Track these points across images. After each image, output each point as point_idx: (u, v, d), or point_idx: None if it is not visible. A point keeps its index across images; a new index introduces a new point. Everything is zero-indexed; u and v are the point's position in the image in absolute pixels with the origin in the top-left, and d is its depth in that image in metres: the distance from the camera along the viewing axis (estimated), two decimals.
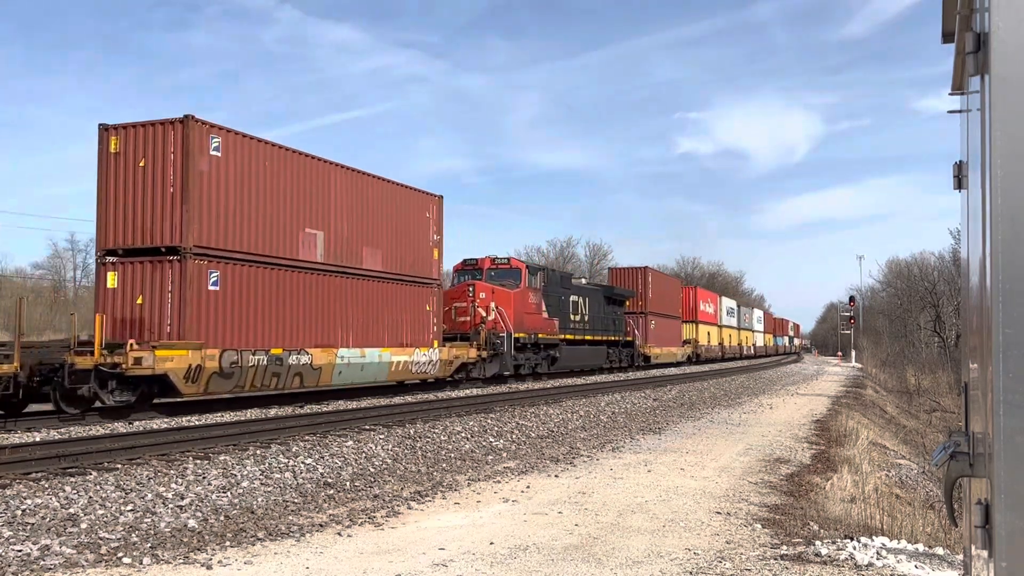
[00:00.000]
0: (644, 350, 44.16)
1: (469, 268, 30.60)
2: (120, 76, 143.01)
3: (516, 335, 28.59)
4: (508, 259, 30.38)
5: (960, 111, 2.83)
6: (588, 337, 36.15)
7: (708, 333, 61.99)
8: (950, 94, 3.07)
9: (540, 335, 30.91)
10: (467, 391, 24.73)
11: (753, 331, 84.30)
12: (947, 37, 2.84)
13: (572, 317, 34.46)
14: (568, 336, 33.84)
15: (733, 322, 71.93)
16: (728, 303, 71.14)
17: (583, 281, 40.85)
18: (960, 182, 2.81)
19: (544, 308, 31.52)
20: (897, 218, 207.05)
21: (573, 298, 34.85)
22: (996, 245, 1.81)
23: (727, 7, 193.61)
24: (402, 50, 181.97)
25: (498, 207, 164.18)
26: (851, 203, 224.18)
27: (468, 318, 27.88)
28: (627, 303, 43.10)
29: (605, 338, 38.31)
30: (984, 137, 1.91)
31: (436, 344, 24.64)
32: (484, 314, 28.03)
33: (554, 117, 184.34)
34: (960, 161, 2.79)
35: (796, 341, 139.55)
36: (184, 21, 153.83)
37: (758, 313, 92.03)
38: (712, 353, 62.07)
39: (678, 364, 51.47)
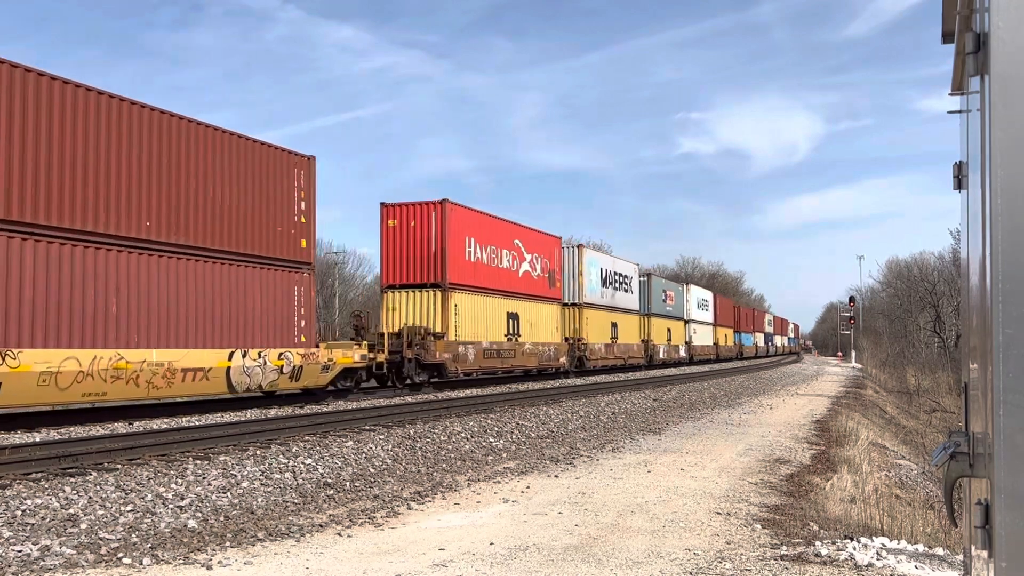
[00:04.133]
0: None
1: None
2: (123, 75, 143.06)
3: None
4: None
5: (960, 111, 2.83)
6: None
7: (530, 324, 31.18)
8: (950, 94, 3.07)
9: None
10: (467, 391, 24.65)
11: (689, 322, 57.11)
12: (947, 37, 2.84)
13: None
14: None
15: (629, 303, 43.53)
16: (609, 264, 41.34)
17: None
18: (960, 182, 2.80)
19: None
20: (897, 218, 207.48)
21: None
22: (996, 245, 1.80)
23: (729, 8, 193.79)
24: (404, 50, 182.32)
25: (499, 207, 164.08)
26: (851, 203, 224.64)
27: None
28: None
29: None
30: (984, 137, 1.90)
31: None
32: None
33: (555, 117, 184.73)
34: (960, 161, 2.79)
35: (780, 341, 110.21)
36: (187, 20, 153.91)
37: (700, 295, 62.73)
38: (545, 358, 31.74)
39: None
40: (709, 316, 64.30)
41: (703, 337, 61.55)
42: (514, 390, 25.43)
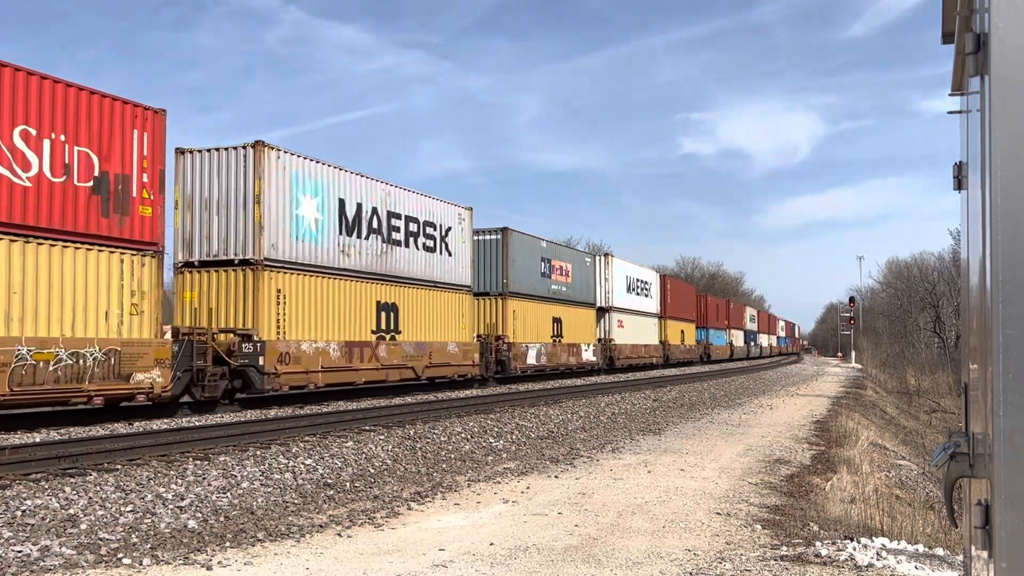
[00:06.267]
0: None
1: None
2: (125, 75, 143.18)
3: None
4: None
5: (960, 112, 2.83)
6: None
7: None
8: (950, 95, 3.07)
9: None
10: (467, 391, 24.63)
11: (608, 311, 39.95)
12: (947, 38, 2.84)
13: None
14: None
15: (443, 272, 25.69)
16: (379, 196, 22.64)
17: None
18: (960, 183, 2.80)
19: None
20: (897, 219, 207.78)
21: None
22: (996, 245, 1.80)
23: (730, 8, 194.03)
24: (406, 51, 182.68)
25: (500, 207, 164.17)
26: (852, 204, 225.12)
27: None
28: None
29: None
30: (984, 138, 1.90)
31: None
32: None
33: (557, 118, 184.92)
34: (960, 162, 2.78)
35: (767, 340, 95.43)
36: (190, 21, 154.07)
37: (633, 273, 44.16)
38: (36, 383, 12.77)
39: None
40: (651, 305, 46.57)
41: (639, 333, 44.13)
42: (513, 389, 25.38)
